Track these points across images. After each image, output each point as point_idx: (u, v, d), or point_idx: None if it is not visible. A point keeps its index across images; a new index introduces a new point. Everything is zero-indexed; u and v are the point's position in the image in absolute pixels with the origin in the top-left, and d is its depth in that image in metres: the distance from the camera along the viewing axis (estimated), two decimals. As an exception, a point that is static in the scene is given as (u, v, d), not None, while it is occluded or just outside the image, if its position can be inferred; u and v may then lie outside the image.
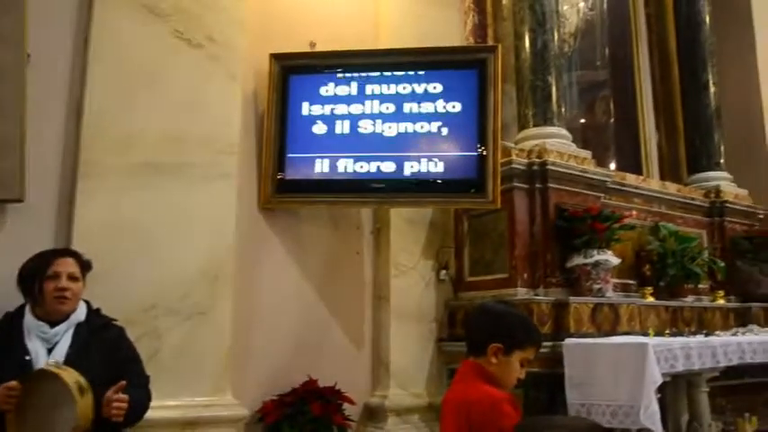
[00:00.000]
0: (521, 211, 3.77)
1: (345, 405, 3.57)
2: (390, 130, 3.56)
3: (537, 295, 3.66)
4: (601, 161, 4.90)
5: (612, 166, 5.30)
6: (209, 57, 3.39)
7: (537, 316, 3.53)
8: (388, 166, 3.54)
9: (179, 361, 3.06)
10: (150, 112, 3.19)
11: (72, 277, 2.46)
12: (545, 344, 3.46)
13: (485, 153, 3.47)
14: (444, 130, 3.50)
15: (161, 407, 2.77)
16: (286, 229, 3.76)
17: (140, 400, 2.43)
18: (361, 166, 3.57)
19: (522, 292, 3.67)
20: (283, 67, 3.65)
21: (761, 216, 5.25)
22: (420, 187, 3.52)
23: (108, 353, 2.45)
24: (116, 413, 2.25)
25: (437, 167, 3.48)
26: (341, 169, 3.59)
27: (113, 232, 3.01)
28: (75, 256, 2.56)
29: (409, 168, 3.51)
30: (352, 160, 3.58)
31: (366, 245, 4.03)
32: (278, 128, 3.64)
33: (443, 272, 4.09)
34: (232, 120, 3.43)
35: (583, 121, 5.87)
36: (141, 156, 3.14)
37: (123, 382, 2.28)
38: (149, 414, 2.52)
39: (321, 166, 3.61)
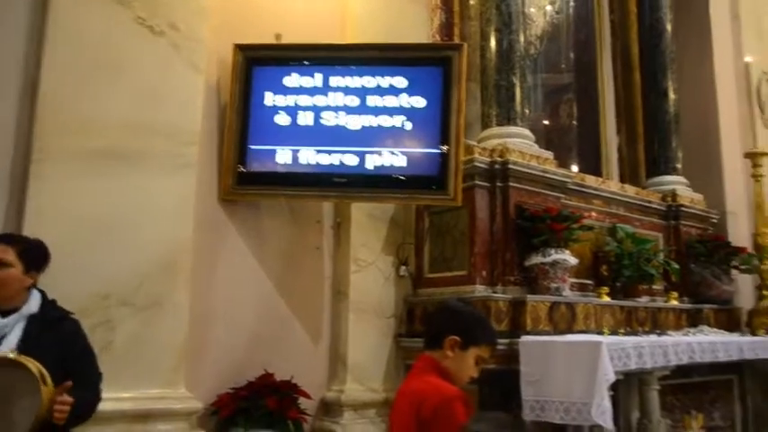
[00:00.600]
0: (481, 209, 3.79)
1: (301, 399, 3.55)
2: (354, 123, 3.55)
3: (495, 293, 3.69)
4: (563, 163, 4.97)
5: (575, 167, 5.38)
6: (172, 45, 3.34)
7: (494, 313, 3.56)
8: (351, 160, 3.53)
9: (133, 352, 3.01)
10: (110, 99, 3.13)
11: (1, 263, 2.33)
12: (502, 341, 3.49)
13: (447, 150, 3.48)
14: (408, 126, 3.50)
15: (113, 399, 2.72)
16: (246, 221, 3.72)
17: (87, 401, 2.33)
18: (323, 159, 3.55)
19: (480, 290, 3.69)
20: (247, 58, 3.61)
21: (714, 220, 5.39)
22: (382, 182, 3.52)
23: (61, 348, 2.34)
24: (58, 416, 2.14)
25: (399, 162, 3.48)
26: (303, 161, 3.56)
27: (67, 220, 2.95)
28: (10, 241, 2.41)
29: (372, 162, 3.50)
30: (314, 152, 3.56)
31: (326, 239, 4.02)
32: (240, 119, 3.60)
33: (403, 268, 4.10)
34: (194, 110, 3.38)
35: (547, 122, 5.94)
36: (99, 143, 3.07)
37: (69, 383, 2.17)
38: (101, 407, 2.46)
39: (283, 158, 3.58)
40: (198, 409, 3.23)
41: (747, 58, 5.51)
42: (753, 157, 5.26)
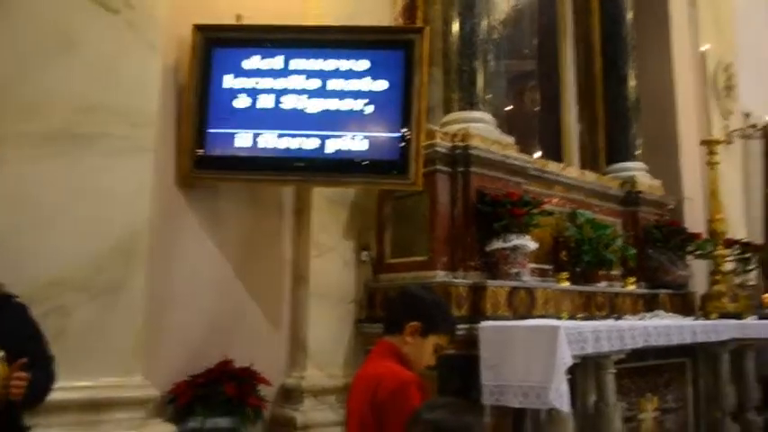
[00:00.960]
0: (442, 194, 3.78)
1: (261, 386, 3.53)
2: (314, 106, 3.50)
3: (456, 278, 3.70)
4: (526, 149, 4.98)
5: (538, 154, 5.41)
6: (127, 23, 3.23)
7: (455, 299, 3.57)
8: (311, 144, 3.48)
9: (87, 340, 2.93)
10: (61, 79, 3.02)
11: None
12: (461, 326, 3.51)
13: (408, 135, 3.47)
14: (369, 109, 3.46)
15: (67, 388, 2.65)
16: (204, 205, 3.66)
17: (41, 380, 2.29)
18: (284, 143, 3.50)
19: (440, 275, 3.69)
20: (207, 39, 3.53)
21: (671, 206, 5.49)
22: (342, 167, 3.48)
23: (8, 331, 2.29)
24: (15, 391, 2.12)
25: (360, 147, 3.45)
26: (262, 145, 3.51)
27: (17, 205, 2.85)
28: None
29: (332, 146, 3.46)
30: (274, 136, 3.50)
31: (286, 224, 3.98)
32: (199, 101, 3.53)
33: (364, 253, 4.08)
34: (150, 91, 3.28)
35: (510, 108, 5.96)
36: (51, 125, 2.97)
37: (24, 360, 2.15)
38: (54, 396, 2.40)
39: (242, 142, 3.52)
40: (155, 397, 3.17)
41: (704, 47, 5.58)
42: (708, 144, 5.36)
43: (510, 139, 4.12)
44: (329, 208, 3.99)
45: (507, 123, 5.61)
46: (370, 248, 4.10)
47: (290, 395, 3.85)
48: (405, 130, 3.49)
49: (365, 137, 3.47)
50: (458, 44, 4.14)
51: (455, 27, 4.16)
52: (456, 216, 3.81)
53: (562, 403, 3.12)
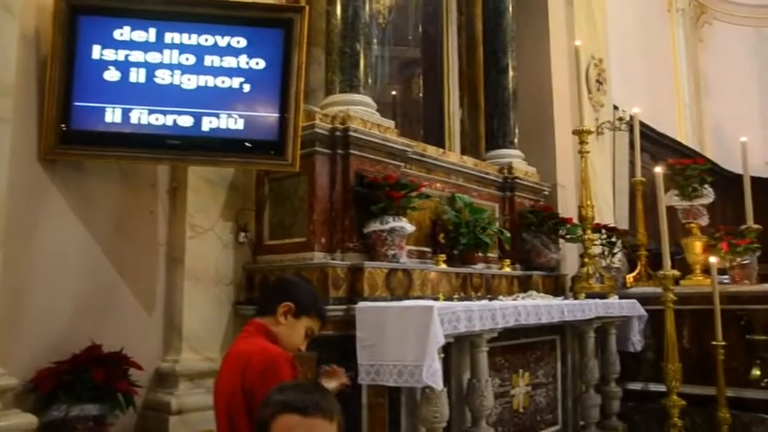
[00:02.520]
0: (321, 175, 3.78)
1: (132, 371, 3.40)
2: (189, 82, 3.37)
3: (334, 260, 3.71)
4: (411, 134, 5.07)
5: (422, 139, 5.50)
6: (-20, -17, 3.01)
7: (332, 280, 3.58)
8: (186, 121, 3.36)
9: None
10: None
11: None
12: (339, 307, 3.54)
13: (286, 115, 3.42)
14: (246, 88, 3.38)
15: None
16: (70, 183, 3.46)
17: None
18: (157, 119, 3.36)
19: (319, 257, 3.70)
20: (71, 6, 3.31)
21: (546, 193, 5.75)
22: (218, 146, 3.40)
23: None
24: None
25: (237, 126, 3.36)
26: (134, 121, 3.35)
27: None
28: None
29: (208, 124, 3.36)
30: (146, 112, 3.35)
31: (161, 204, 3.83)
32: (64, 73, 3.31)
33: (242, 234, 4.01)
34: (8, 59, 3.06)
35: (395, 93, 6.03)
36: None
37: None
38: None
39: (112, 117, 3.34)
40: (13, 386, 2.98)
41: (577, 42, 5.85)
42: (579, 134, 5.63)
43: (390, 123, 4.16)
44: (206, 188, 3.88)
45: (392, 109, 5.69)
46: (249, 230, 4.04)
47: (164, 379, 3.74)
48: (283, 110, 3.44)
49: (242, 116, 3.39)
50: (340, 26, 4.12)
51: (338, 9, 4.14)
52: (335, 198, 3.81)
53: (435, 381, 3.20)
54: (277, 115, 3.44)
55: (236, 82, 3.37)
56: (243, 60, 3.40)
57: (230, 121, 3.36)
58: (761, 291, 5.32)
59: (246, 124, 3.41)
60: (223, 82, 3.36)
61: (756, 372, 5.43)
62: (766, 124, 13.05)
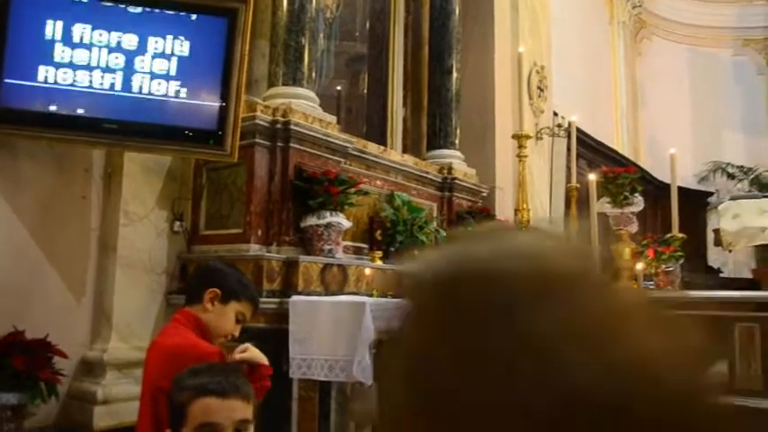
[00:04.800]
0: (260, 167, 3.77)
1: (57, 359, 3.32)
2: (130, 66, 3.31)
3: (269, 252, 3.71)
4: (354, 129, 5.09)
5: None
6: None
7: (267, 273, 3.58)
8: (124, 106, 3.30)
9: None
10: None
11: None
12: (273, 300, 3.53)
13: (227, 105, 3.40)
14: (186, 74, 3.34)
15: None
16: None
17: None
18: (95, 102, 3.28)
19: (254, 249, 3.69)
20: (6, -19, 3.21)
21: (484, 194, 5.85)
22: (156, 132, 3.34)
23: None
24: None
25: (176, 113, 3.32)
26: (71, 102, 3.27)
27: None
28: None
29: (147, 111, 3.30)
30: (84, 94, 3.27)
31: (95, 189, 3.76)
32: (-5, 49, 3.21)
33: (178, 223, 3.97)
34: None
35: (339, 88, 6.04)
36: None
37: None
38: None
39: (47, 97, 3.25)
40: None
41: (521, 48, 5.98)
42: (519, 138, 5.73)
43: (332, 118, 4.18)
44: (142, 175, 3.83)
45: (336, 103, 5.70)
46: (185, 219, 4.00)
47: (91, 368, 3.66)
48: (223, 100, 3.41)
49: (182, 103, 3.35)
50: (286, 19, 4.11)
51: (284, 1, 4.12)
52: (273, 190, 3.81)
53: (366, 376, 3.23)
54: (217, 105, 3.41)
55: (175, 68, 3.32)
56: (185, 47, 3.34)
57: (170, 109, 3.31)
58: (683, 297, 5.54)
59: (186, 112, 3.36)
60: (163, 67, 3.30)
61: (675, 375, 5.67)
62: (697, 138, 13.59)
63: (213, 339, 2.47)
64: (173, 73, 3.32)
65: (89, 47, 3.29)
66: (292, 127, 3.82)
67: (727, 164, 13.69)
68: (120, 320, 3.72)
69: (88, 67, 3.29)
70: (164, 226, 3.94)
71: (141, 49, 3.34)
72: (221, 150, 3.41)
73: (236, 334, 2.59)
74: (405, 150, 5.70)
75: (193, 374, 1.83)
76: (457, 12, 5.84)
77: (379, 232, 4.56)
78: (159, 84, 3.31)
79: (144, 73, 3.33)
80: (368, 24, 6.09)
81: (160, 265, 3.92)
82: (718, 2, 14.40)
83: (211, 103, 3.41)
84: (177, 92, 3.33)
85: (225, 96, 3.40)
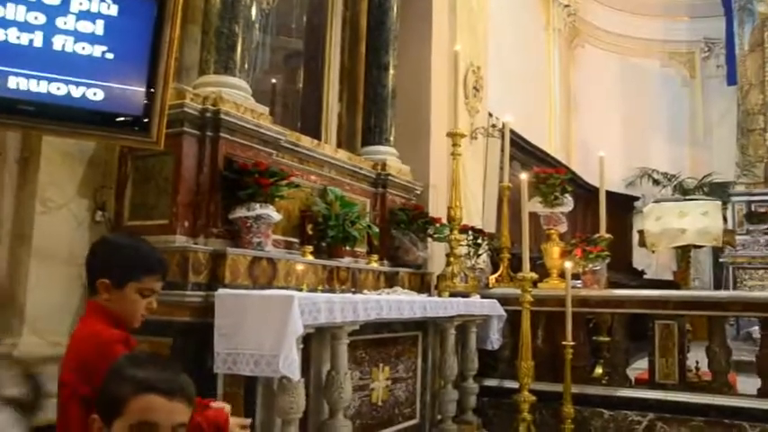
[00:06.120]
0: (189, 157, 3.66)
1: (-43, 355, 3.14)
2: (47, 44, 3.11)
3: (196, 244, 3.60)
4: (289, 124, 5.01)
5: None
6: None
7: (193, 265, 3.48)
8: (41, 86, 3.10)
9: None
10: None
11: None
12: (199, 293, 3.44)
13: (154, 90, 3.26)
14: (110, 56, 3.15)
15: None
16: None
17: None
18: (10, 82, 3.09)
19: (181, 240, 3.57)
20: None
21: (418, 192, 5.87)
22: (77, 116, 3.15)
23: None
24: None
25: (97, 96, 3.13)
26: (-20, 81, 3.07)
27: None
28: None
29: (65, 92, 3.11)
30: (-5, 72, 3.08)
31: (8, 174, 3.56)
32: None
33: (100, 213, 3.80)
34: None
35: (275, 81, 5.96)
36: None
37: None
38: None
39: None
40: None
41: (458, 47, 6.01)
42: (453, 136, 5.78)
43: (264, 109, 4.09)
44: (62, 160, 3.65)
45: (271, 97, 5.61)
46: (108, 208, 3.84)
47: (-1, 364, 3.47)
48: (150, 85, 3.27)
49: (104, 86, 3.17)
50: (219, 5, 3.99)
51: (218, -14, 4.02)
52: (201, 181, 3.70)
53: (292, 372, 3.18)
54: (143, 90, 3.25)
55: (98, 49, 3.15)
56: (109, 27, 3.18)
57: (90, 91, 3.13)
58: (608, 296, 5.70)
59: (110, 96, 3.19)
60: (84, 48, 3.12)
61: (599, 370, 5.84)
62: (626, 145, 14.06)
63: (130, 323, 2.36)
64: (96, 53, 3.11)
65: (3, 3, 3.05)
66: (223, 116, 3.71)
67: (653, 170, 14.23)
68: (34, 314, 3.53)
69: (2, 44, 3.08)
70: (84, 215, 3.76)
71: (61, 27, 3.13)
72: (147, 137, 3.27)
73: (155, 305, 2.43)
74: (339, 145, 5.65)
75: (135, 365, 1.72)
76: (395, 8, 5.84)
77: (310, 227, 4.49)
78: (82, 63, 3.11)
79: (65, 53, 3.11)
80: (305, 18, 6.02)
81: (80, 257, 3.70)
82: (646, 15, 14.97)
83: (137, 87, 3.26)
84: (101, 73, 3.13)
85: (152, 81, 3.26)
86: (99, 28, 3.12)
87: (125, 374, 1.70)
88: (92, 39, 3.10)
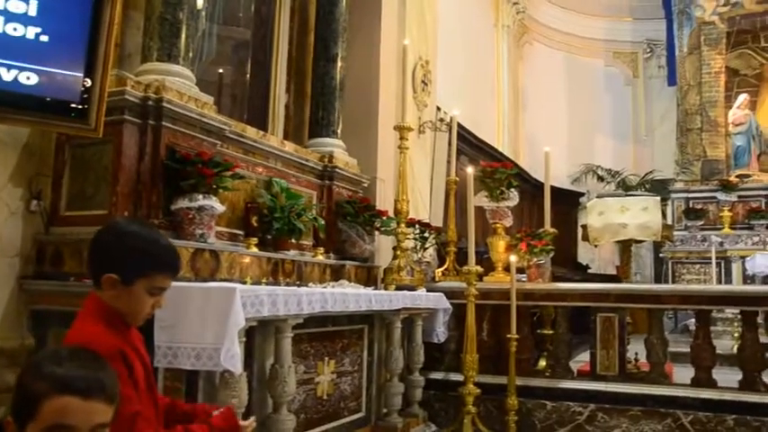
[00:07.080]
0: (129, 145, 3.56)
1: None
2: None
3: (137, 235, 3.51)
4: (236, 115, 4.93)
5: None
6: None
7: (131, 256, 3.39)
8: (-30, 71, 2.99)
9: None
10: None
11: None
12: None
13: (92, 76, 3.15)
14: (44, 39, 3.04)
15: None
16: None
17: None
18: (-66, 65, 2.96)
19: (120, 231, 3.47)
20: None
21: (365, 185, 5.86)
22: (7, 100, 3.02)
23: None
24: None
25: (30, 80, 3.01)
26: None
27: None
28: None
29: (-2, 74, 2.99)
30: None
31: (-64, 162, 3.42)
32: None
33: (35, 202, 3.67)
34: None
35: (221, 71, 5.86)
36: None
37: None
38: None
39: None
40: None
41: (407, 41, 6.02)
42: (400, 130, 5.79)
43: (209, 99, 4.01)
44: (-6, 148, 3.51)
45: (218, 87, 5.52)
46: (43, 198, 3.71)
47: None
48: (88, 71, 3.16)
49: (39, 70, 3.06)
50: (163, -9, 3.90)
51: (161, -29, 3.92)
52: (142, 170, 3.61)
53: (234, 365, 3.12)
54: (81, 75, 3.15)
55: (31, 32, 3.02)
56: (44, 9, 3.06)
57: (23, 76, 3.02)
58: (551, 289, 5.80)
59: (45, 80, 3.07)
60: (15, 30, 2.98)
61: (543, 362, 5.94)
62: (571, 142, 14.33)
63: (134, 322, 2.21)
64: (29, 36, 3.00)
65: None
66: (165, 105, 3.63)
67: (598, 167, 14.54)
68: (-39, 308, 3.40)
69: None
70: (18, 204, 3.63)
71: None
72: (85, 124, 3.16)
73: (162, 305, 2.27)
74: (286, 137, 5.59)
75: (55, 360, 1.62)
76: (344, 0, 5.80)
77: (255, 219, 4.43)
78: (14, 46, 2.99)
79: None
80: (253, 7, 5.93)
81: (13, 248, 3.61)
82: (591, 15, 15.28)
83: (74, 73, 3.14)
84: (34, 57, 3.02)
85: (90, 66, 3.15)
86: (32, 8, 2.99)
87: (42, 371, 1.59)
88: (24, 19, 2.98)
